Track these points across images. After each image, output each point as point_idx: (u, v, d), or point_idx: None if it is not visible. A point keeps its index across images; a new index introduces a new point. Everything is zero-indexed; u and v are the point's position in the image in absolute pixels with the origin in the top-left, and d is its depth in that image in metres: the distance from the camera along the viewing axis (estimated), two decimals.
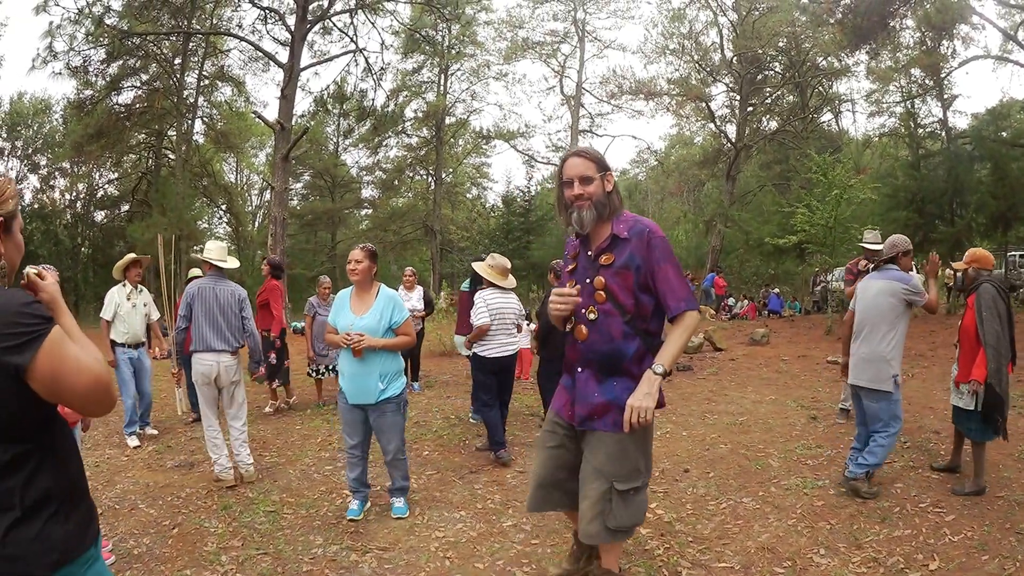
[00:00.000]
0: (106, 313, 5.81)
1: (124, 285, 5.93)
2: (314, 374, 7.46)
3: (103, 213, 33.93)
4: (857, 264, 6.12)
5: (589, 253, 2.63)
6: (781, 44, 25.23)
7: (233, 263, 4.84)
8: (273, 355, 7.00)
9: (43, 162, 32.75)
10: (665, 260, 2.50)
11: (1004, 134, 15.63)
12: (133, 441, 5.87)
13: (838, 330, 12.11)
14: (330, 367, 7.33)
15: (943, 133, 19.67)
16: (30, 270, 1.54)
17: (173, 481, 4.84)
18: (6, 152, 32.11)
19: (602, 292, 2.55)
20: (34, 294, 1.48)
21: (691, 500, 4.12)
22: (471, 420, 6.47)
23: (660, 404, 2.48)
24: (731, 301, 19.64)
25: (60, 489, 1.39)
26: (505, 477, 4.73)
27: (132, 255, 6.16)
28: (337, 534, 3.73)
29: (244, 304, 4.65)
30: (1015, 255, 17.23)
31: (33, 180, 32.99)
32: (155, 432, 6.19)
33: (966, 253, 4.41)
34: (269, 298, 7.08)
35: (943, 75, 19.68)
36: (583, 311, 2.59)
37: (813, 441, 5.35)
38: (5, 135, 31.92)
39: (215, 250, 4.75)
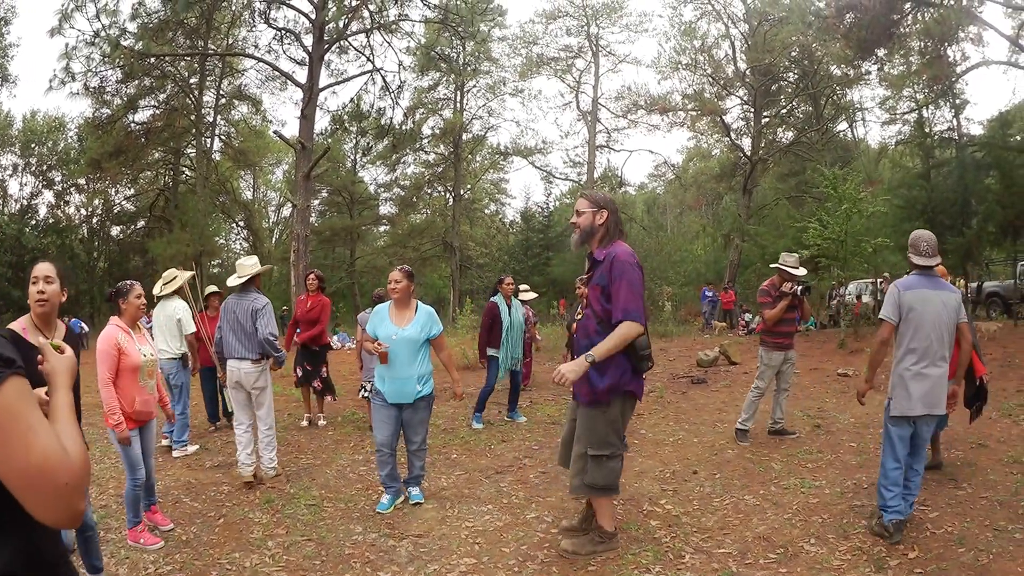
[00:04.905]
0: (191, 327, 6.14)
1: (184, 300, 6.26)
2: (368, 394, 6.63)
3: (119, 228, 34.38)
4: (778, 287, 6.06)
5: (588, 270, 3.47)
6: (794, 54, 25.35)
7: (236, 279, 5.15)
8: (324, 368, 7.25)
9: (57, 178, 33.32)
10: (620, 278, 3.18)
11: (1017, 139, 15.31)
12: (192, 447, 6.12)
13: (852, 344, 12.29)
14: None
15: (953, 140, 19.61)
16: (46, 342, 1.29)
17: (214, 479, 5.25)
18: (20, 168, 32.84)
19: (585, 300, 3.45)
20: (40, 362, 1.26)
21: (697, 497, 4.48)
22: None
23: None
24: (747, 316, 19.84)
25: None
26: (528, 476, 5.12)
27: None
28: (375, 523, 4.13)
29: (257, 315, 4.97)
30: None
31: (48, 195, 33.70)
32: (194, 448, 6.17)
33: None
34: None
35: (953, 80, 19.64)
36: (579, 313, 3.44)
37: (815, 447, 5.67)
38: (19, 152, 32.63)
39: (240, 268, 5.19)
